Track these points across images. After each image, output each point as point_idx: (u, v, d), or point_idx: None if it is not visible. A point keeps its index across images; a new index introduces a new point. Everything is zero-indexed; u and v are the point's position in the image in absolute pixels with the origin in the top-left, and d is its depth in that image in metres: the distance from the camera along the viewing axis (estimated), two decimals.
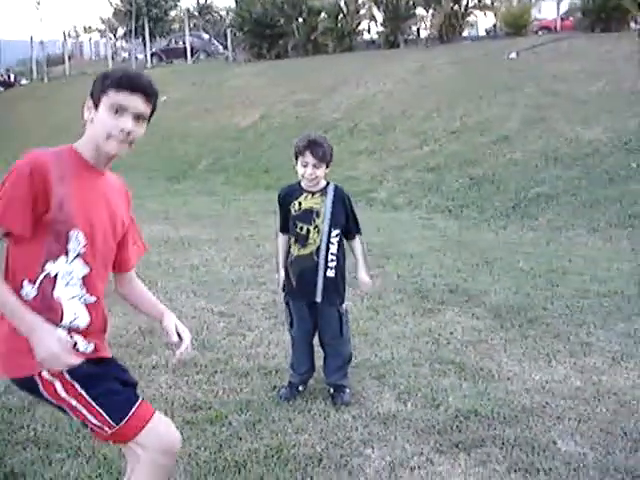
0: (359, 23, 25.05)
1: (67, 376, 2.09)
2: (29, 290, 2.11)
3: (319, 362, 4.05)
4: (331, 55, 23.87)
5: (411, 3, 23.27)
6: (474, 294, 5.86)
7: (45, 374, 2.09)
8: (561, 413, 3.67)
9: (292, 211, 3.78)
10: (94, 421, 2.14)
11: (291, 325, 3.97)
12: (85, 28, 64.04)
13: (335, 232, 3.76)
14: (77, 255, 2.15)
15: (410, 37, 24.54)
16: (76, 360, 2.00)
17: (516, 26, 21.63)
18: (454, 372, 4.21)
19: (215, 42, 35.97)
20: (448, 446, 3.32)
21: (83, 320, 2.18)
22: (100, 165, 2.24)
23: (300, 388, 3.95)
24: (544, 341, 4.76)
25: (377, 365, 4.36)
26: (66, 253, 2.13)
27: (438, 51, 20.10)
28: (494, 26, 26.73)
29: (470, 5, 22.79)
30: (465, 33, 24.27)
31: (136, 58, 34.84)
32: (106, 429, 2.14)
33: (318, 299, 3.78)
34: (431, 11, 22.77)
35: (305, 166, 3.68)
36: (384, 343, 4.74)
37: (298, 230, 3.76)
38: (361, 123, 15.11)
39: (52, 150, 2.17)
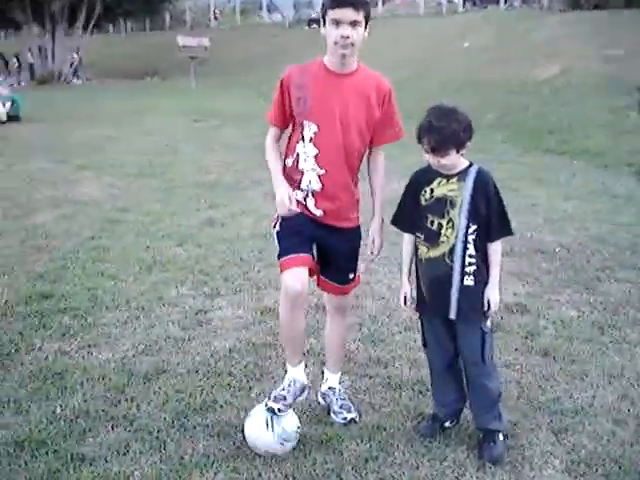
0: None
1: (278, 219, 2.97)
2: (289, 161, 3.00)
3: None
4: None
5: None
6: None
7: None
8: None
9: (422, 201, 2.92)
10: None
11: (424, 345, 3.15)
12: None
13: (473, 227, 2.84)
14: (309, 140, 2.90)
15: None
16: (290, 210, 2.80)
17: None
18: None
19: None
20: None
21: (316, 186, 2.93)
22: (340, 69, 2.89)
23: (447, 424, 3.13)
24: None
25: (566, 412, 3.32)
26: (302, 139, 2.92)
27: None
28: None
29: None
30: None
31: (449, 1, 33.88)
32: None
33: (452, 315, 2.90)
34: None
35: (427, 152, 2.82)
36: (590, 381, 3.65)
37: (428, 225, 2.90)
38: None
39: (302, 64, 2.98)
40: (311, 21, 34.57)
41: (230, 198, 7.68)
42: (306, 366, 3.69)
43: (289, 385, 2.97)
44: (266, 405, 2.93)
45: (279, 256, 2.95)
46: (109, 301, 4.64)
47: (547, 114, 13.98)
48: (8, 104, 14.64)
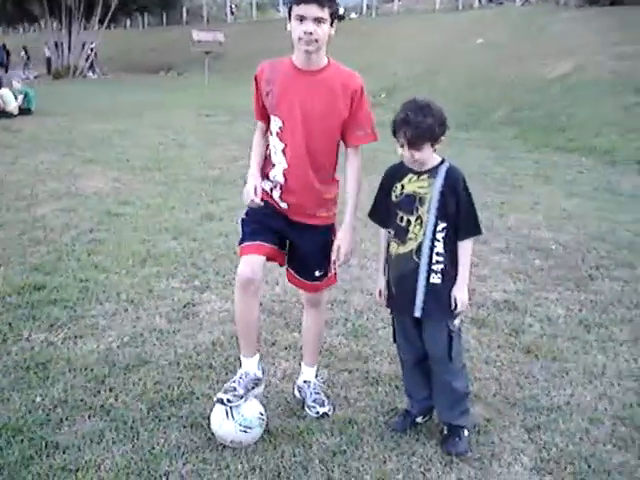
0: None
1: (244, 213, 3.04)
2: (267, 152, 3.03)
3: None
4: None
5: None
6: None
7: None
8: None
9: (393, 197, 2.93)
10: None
11: (394, 339, 3.15)
12: None
13: (442, 225, 2.84)
14: (275, 134, 2.93)
15: None
16: (254, 201, 2.85)
17: None
18: None
19: None
20: None
21: (280, 179, 2.96)
22: (306, 66, 2.85)
23: (419, 420, 3.15)
24: None
25: (541, 409, 3.32)
26: (270, 132, 2.96)
27: None
28: None
29: None
30: None
31: None
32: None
33: (417, 313, 2.90)
34: None
35: (402, 146, 2.82)
36: (570, 379, 3.64)
37: (398, 221, 2.90)
38: None
39: (275, 60, 2.97)
40: None
41: (232, 192, 7.70)
42: (287, 360, 3.76)
43: (240, 377, 2.99)
44: (216, 396, 2.96)
45: (239, 242, 3.00)
46: (100, 293, 4.69)
47: (558, 111, 13.90)
48: (21, 97, 14.76)
